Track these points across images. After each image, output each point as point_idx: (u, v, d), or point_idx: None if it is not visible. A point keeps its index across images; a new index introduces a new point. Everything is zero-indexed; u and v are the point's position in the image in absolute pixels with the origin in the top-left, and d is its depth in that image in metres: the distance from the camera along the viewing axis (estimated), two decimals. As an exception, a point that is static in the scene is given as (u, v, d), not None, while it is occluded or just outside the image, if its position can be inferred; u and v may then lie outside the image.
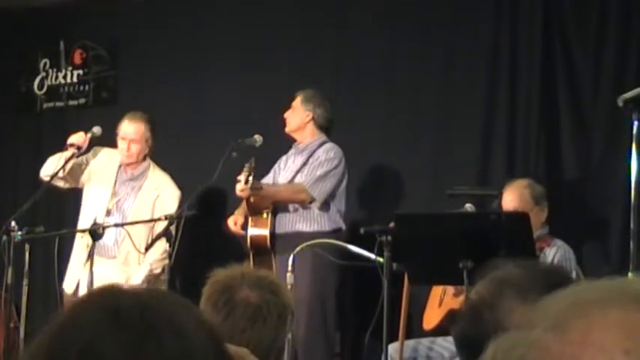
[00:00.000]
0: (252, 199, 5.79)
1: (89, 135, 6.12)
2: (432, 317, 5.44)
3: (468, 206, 4.89)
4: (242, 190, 5.65)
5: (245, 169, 5.56)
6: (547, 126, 6.07)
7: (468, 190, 5.23)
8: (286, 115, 6.09)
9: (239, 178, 5.60)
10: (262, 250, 5.83)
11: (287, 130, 6.09)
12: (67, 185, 6.33)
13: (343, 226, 5.93)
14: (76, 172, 6.26)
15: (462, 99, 6.37)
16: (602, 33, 5.95)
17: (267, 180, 6.17)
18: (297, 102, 6.08)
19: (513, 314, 1.85)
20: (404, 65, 6.53)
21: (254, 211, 5.87)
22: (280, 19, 6.93)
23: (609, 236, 5.73)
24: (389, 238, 4.63)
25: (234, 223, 6.01)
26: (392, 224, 4.59)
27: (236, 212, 6.08)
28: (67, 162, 6.08)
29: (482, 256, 3.90)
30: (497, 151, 6.20)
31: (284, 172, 6.11)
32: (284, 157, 6.21)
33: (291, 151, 6.15)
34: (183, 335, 1.03)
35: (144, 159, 6.32)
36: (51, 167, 6.13)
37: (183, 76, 7.16)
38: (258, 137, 5.92)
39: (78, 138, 6.12)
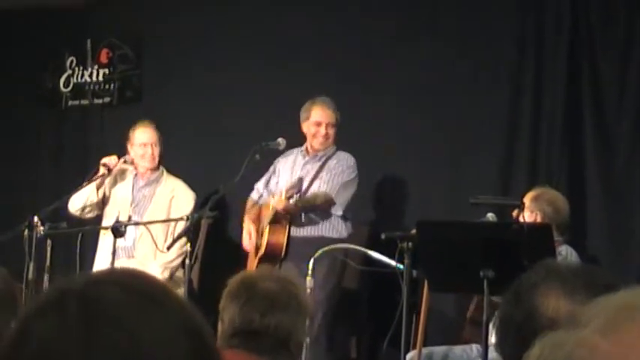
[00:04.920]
0: (282, 210, 5.77)
1: (121, 160, 6.23)
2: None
3: (490, 215, 4.88)
4: (280, 203, 5.65)
5: (292, 186, 5.57)
6: (571, 136, 6.05)
7: (491, 199, 5.20)
8: (327, 131, 5.97)
9: (280, 191, 5.60)
10: (272, 258, 5.80)
11: (322, 145, 5.99)
12: (90, 214, 6.40)
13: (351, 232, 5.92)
14: (101, 200, 6.39)
15: (486, 107, 6.35)
16: (628, 46, 5.94)
17: (261, 185, 6.14)
18: (336, 119, 6.00)
19: (550, 299, 1.89)
20: (426, 72, 6.51)
21: (275, 219, 5.85)
22: (305, 21, 6.92)
23: (632, 247, 5.71)
24: (410, 244, 4.62)
25: (249, 235, 6.01)
26: (413, 231, 4.59)
27: (247, 221, 6.06)
28: (96, 179, 6.23)
29: (503, 266, 3.92)
30: (519, 161, 6.19)
31: (288, 176, 6.02)
32: (282, 160, 6.13)
33: (299, 157, 6.07)
34: (126, 328, 1.02)
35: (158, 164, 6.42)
36: (80, 195, 6.23)
37: (206, 76, 7.16)
38: (281, 140, 5.92)
39: (111, 159, 6.23)
